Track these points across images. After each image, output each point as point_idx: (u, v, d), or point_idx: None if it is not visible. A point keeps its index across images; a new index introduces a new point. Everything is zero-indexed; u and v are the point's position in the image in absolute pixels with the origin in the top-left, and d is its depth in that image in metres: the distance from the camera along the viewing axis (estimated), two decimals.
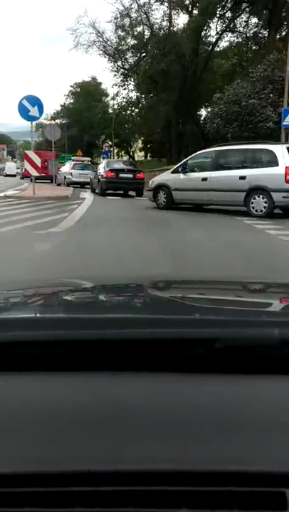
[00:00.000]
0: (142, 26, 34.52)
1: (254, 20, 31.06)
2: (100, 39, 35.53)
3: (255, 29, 31.41)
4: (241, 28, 32.30)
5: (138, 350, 0.72)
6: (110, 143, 41.66)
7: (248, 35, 32.18)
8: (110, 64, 36.98)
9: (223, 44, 34.88)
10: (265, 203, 10.53)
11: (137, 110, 38.53)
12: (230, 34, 33.08)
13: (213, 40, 33.19)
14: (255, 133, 20.51)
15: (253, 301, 1.23)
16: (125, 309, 1.10)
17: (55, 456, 0.56)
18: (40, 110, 15.48)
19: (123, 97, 39.71)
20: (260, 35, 31.26)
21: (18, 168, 51.65)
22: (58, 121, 50.91)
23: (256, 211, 10.65)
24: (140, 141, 46.49)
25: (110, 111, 43.38)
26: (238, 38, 33.14)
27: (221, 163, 11.67)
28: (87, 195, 18.18)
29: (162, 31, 33.03)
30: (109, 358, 0.72)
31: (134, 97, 37.93)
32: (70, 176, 25.64)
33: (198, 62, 32.06)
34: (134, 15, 34.21)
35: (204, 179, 11.67)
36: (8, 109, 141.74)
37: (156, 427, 0.61)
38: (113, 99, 41.59)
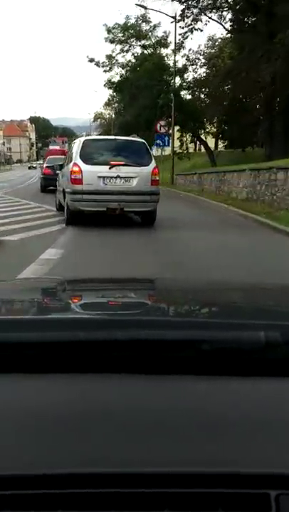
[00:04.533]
0: None
1: None
2: None
3: None
4: None
5: (126, 352, 0.73)
6: (169, 120, 26.56)
7: None
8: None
9: None
10: None
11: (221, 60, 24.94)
12: None
13: None
14: None
15: (238, 303, 1.23)
16: (115, 311, 1.11)
17: (47, 458, 0.57)
18: None
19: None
20: None
21: None
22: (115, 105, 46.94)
23: None
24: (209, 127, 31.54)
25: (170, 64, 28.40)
26: None
27: None
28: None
29: None
30: (101, 360, 0.72)
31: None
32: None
33: None
34: None
35: None
36: (74, 104, 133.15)
37: (141, 430, 0.61)
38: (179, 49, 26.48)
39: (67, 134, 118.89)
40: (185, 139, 31.13)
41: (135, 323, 0.83)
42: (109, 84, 29.64)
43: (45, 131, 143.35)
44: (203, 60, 29.50)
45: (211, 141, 32.40)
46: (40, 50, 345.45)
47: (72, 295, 1.30)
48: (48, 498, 0.53)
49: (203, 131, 31.69)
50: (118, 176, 8.68)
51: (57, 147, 37.81)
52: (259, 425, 0.63)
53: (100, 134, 64.17)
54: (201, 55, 29.39)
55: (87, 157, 8.81)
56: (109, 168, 8.67)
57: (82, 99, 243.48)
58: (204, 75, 29.52)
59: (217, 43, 30.19)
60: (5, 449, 0.58)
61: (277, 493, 0.54)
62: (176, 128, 28.45)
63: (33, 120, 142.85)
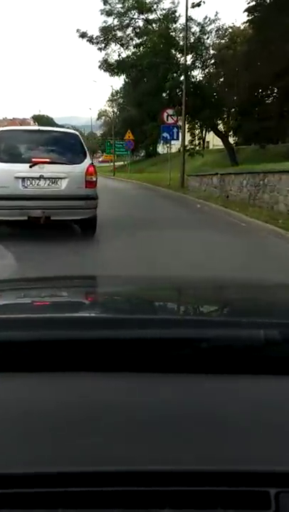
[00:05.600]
0: None
1: None
2: None
3: None
4: None
5: (126, 350, 0.73)
6: (179, 107, 21.37)
7: None
8: None
9: None
10: None
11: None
12: None
13: None
14: None
15: (238, 301, 1.22)
16: (114, 310, 1.11)
17: (45, 456, 0.57)
18: None
19: None
20: None
21: None
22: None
23: None
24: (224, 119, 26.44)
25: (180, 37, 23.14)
26: None
27: None
28: None
29: None
30: (102, 359, 0.72)
31: None
32: None
33: None
34: None
35: None
36: (80, 103, 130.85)
37: (139, 428, 0.62)
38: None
39: None
40: (198, 131, 26.09)
41: (135, 322, 0.84)
42: (106, 65, 24.28)
43: None
44: (211, 52, 24.39)
45: (216, 138, 27.28)
46: (47, 50, 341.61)
47: (73, 293, 1.31)
48: (49, 497, 0.54)
49: (221, 122, 26.37)
50: (42, 177, 6.99)
51: None
52: (259, 423, 0.63)
53: (103, 133, 61.07)
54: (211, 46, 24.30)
55: (1, 153, 7.10)
56: (30, 167, 6.92)
57: (88, 98, 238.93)
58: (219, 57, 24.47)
59: (227, 33, 25.18)
60: (5, 448, 0.58)
61: (276, 491, 0.55)
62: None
63: (37, 118, 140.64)
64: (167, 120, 21.23)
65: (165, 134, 21.30)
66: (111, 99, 53.92)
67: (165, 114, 21.23)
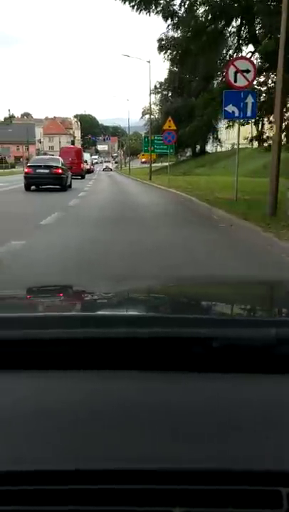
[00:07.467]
0: None
1: None
2: None
3: None
4: None
5: (137, 348, 0.73)
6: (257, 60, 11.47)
7: None
8: None
9: None
10: None
11: None
12: None
13: None
14: None
15: (249, 300, 1.21)
16: (123, 308, 1.11)
17: (51, 455, 0.57)
18: None
19: None
20: None
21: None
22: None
23: None
24: None
25: None
26: None
27: None
28: None
29: None
30: (107, 356, 0.72)
31: None
32: None
33: None
34: None
35: None
36: (126, 106, 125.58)
37: (152, 426, 0.62)
38: None
39: (118, 134, 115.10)
40: None
41: (147, 321, 0.85)
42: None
43: (92, 129, 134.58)
44: None
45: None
46: (98, 54, 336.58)
47: (80, 293, 1.30)
48: (49, 495, 0.54)
49: None
50: None
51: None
52: (271, 422, 0.63)
53: (147, 132, 54.30)
54: None
55: None
56: None
57: (135, 101, 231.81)
58: None
59: None
60: (5, 447, 0.58)
61: (288, 491, 0.55)
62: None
63: (80, 117, 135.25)
64: (235, 81, 11.26)
65: (230, 107, 11.33)
66: (153, 92, 48.94)
67: (232, 70, 11.26)
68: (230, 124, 14.66)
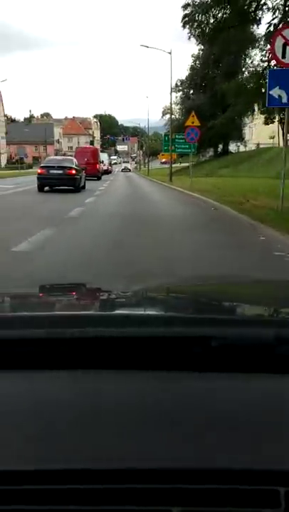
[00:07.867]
0: None
1: None
2: None
3: None
4: None
5: (136, 348, 0.73)
6: None
7: None
8: None
9: None
10: None
11: None
12: None
13: None
14: None
15: (248, 300, 1.21)
16: (123, 307, 1.10)
17: (49, 454, 0.57)
18: None
19: None
20: None
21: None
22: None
23: None
24: None
25: None
26: None
27: None
28: None
29: None
30: (106, 356, 0.72)
31: None
32: None
33: None
34: None
35: None
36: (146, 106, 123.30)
37: (151, 425, 0.62)
38: None
39: (138, 134, 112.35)
40: None
41: (147, 320, 0.86)
42: None
43: (111, 129, 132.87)
44: None
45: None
46: (119, 56, 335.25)
47: (80, 292, 1.28)
48: (47, 494, 0.55)
49: None
50: None
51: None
52: (270, 422, 0.63)
53: (168, 131, 52.03)
54: None
55: None
56: None
57: (156, 100, 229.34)
58: None
59: None
60: (5, 446, 0.58)
61: (286, 490, 0.55)
62: None
63: (100, 117, 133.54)
64: (284, 57, 8.64)
65: (275, 92, 8.70)
66: (174, 90, 46.78)
67: (279, 42, 8.63)
68: (271, 117, 11.93)
